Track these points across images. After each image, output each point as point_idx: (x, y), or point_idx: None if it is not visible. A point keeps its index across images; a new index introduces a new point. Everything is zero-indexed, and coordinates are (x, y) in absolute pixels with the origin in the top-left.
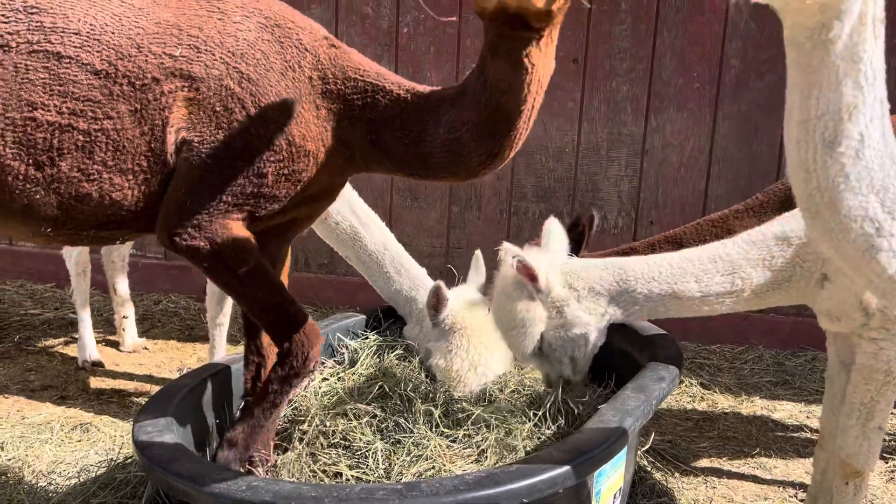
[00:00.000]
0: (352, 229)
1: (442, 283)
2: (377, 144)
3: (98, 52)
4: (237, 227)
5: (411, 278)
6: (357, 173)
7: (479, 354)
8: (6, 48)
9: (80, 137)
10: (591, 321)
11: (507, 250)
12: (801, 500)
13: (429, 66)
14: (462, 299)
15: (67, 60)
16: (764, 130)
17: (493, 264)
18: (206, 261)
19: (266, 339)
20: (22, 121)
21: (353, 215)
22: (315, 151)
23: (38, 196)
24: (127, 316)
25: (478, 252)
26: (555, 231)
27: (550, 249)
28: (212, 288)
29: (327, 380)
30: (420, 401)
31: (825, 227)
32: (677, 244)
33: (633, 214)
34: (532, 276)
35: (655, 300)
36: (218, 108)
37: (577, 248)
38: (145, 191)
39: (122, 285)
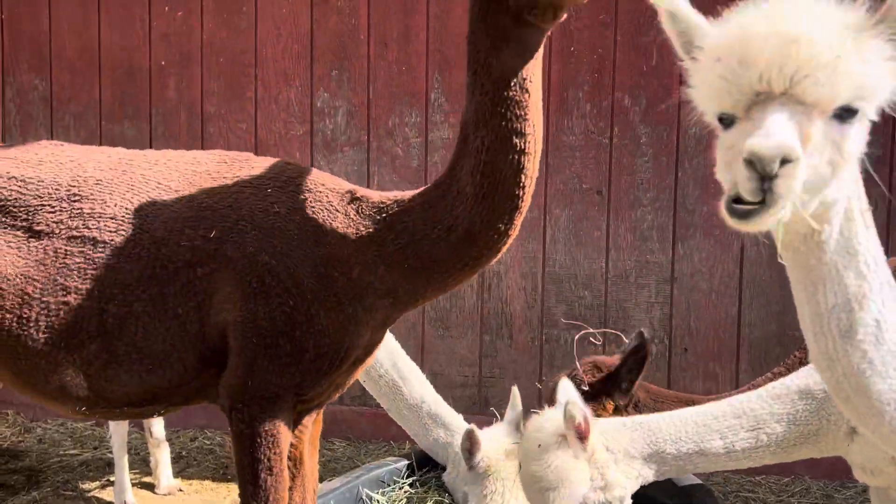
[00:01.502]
0: (392, 384)
1: (475, 427)
2: (418, 267)
3: (132, 236)
4: (284, 423)
5: (447, 425)
6: (402, 314)
7: (514, 499)
8: (50, 235)
9: (111, 321)
10: (627, 485)
11: (567, 395)
12: None
13: None
14: (498, 442)
15: (102, 245)
16: None
17: (527, 395)
18: (243, 442)
19: (297, 497)
20: (56, 305)
21: (394, 369)
22: (354, 314)
23: (68, 378)
24: (162, 458)
25: (514, 388)
26: (570, 394)
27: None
28: None
29: None
30: None
31: (857, 410)
32: None
33: (666, 341)
34: (583, 436)
35: (683, 459)
36: (255, 285)
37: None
38: (180, 370)
39: (157, 427)
